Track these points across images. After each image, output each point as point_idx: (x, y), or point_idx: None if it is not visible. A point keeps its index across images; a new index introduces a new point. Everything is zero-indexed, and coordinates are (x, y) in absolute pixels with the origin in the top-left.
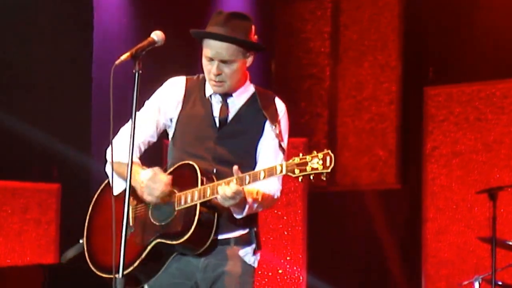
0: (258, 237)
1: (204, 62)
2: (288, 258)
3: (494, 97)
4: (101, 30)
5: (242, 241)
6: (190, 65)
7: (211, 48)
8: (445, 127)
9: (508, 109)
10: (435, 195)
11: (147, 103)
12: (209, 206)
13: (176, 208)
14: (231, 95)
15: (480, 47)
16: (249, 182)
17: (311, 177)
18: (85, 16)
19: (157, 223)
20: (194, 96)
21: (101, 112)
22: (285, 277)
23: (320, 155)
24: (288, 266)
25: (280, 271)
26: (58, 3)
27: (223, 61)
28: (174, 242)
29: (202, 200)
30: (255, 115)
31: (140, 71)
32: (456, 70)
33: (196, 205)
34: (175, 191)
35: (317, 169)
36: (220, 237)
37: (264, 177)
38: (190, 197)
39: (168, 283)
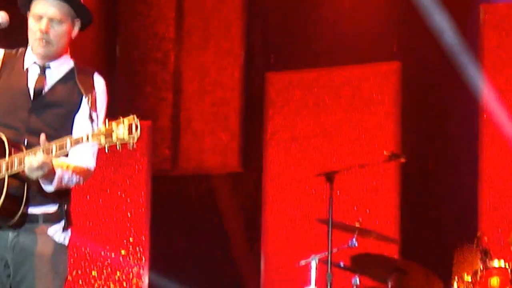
0: (69, 213)
1: (31, 23)
2: (131, 239)
3: (333, 84)
4: None
5: (51, 219)
6: None
7: (42, 6)
8: (285, 112)
9: (345, 95)
10: (275, 179)
11: None
12: (19, 177)
13: None
14: (49, 67)
15: (320, 34)
16: (56, 151)
17: (118, 147)
18: None
19: None
20: (10, 69)
21: None
22: (128, 258)
23: (126, 121)
24: (131, 247)
25: (123, 252)
26: None
27: (53, 20)
28: None
29: (10, 172)
30: (71, 89)
31: None
32: (297, 57)
33: (4, 177)
34: None
35: (122, 138)
36: (30, 210)
37: (71, 146)
38: None
39: None
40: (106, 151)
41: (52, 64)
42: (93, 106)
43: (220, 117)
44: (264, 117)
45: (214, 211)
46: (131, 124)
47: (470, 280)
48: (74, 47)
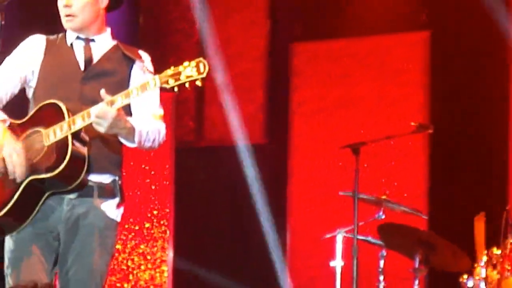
0: (122, 189)
1: (58, 1)
2: (155, 212)
3: (360, 54)
4: None
5: (106, 194)
6: None
7: None
8: (311, 82)
9: (372, 65)
10: (300, 150)
11: (7, 58)
12: (80, 141)
13: (46, 144)
14: (93, 40)
15: (347, 3)
16: (121, 101)
17: (187, 85)
18: None
19: (28, 162)
20: (55, 48)
21: None
22: (152, 232)
23: (193, 63)
24: (155, 220)
25: (147, 225)
26: None
27: None
28: (48, 175)
29: (72, 130)
30: (120, 59)
31: (3, 22)
32: (323, 27)
33: (67, 138)
34: (40, 129)
35: (191, 76)
36: (88, 177)
37: (138, 93)
38: (60, 130)
39: (30, 234)
40: (175, 91)
41: (96, 37)
42: (147, 71)
43: (245, 88)
44: (290, 88)
45: (239, 183)
46: (199, 64)
47: (499, 253)
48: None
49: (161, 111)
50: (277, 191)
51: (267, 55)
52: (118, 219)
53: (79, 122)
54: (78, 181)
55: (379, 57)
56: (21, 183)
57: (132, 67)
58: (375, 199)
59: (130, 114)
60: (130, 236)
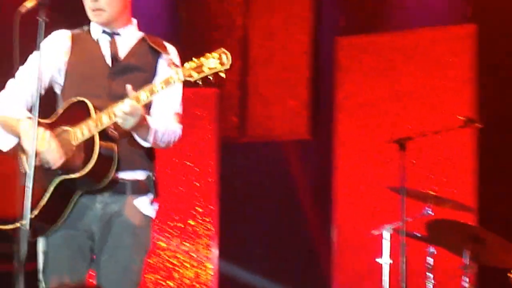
0: (156, 185)
1: None
2: (200, 209)
3: (405, 47)
4: None
5: (139, 190)
6: None
7: None
8: (355, 77)
9: (417, 58)
10: (345, 146)
11: (30, 57)
12: (108, 138)
13: (74, 143)
14: (118, 34)
15: None
16: (147, 97)
17: (210, 77)
18: None
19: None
20: (81, 43)
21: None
22: (197, 229)
23: (215, 54)
24: (199, 218)
25: (191, 223)
26: None
27: None
28: (78, 175)
29: (99, 128)
30: (147, 52)
31: (47, 20)
32: (367, 20)
33: (94, 136)
34: (68, 128)
35: (215, 68)
36: (120, 175)
37: (162, 88)
38: (87, 129)
39: (64, 234)
40: (199, 83)
41: (121, 31)
42: (173, 64)
43: (289, 83)
44: (334, 82)
45: (283, 179)
46: (221, 55)
47: None
48: (138, 13)
49: (181, 110)
50: (322, 187)
51: (311, 49)
52: (153, 215)
53: (105, 120)
54: (108, 179)
55: (424, 51)
56: (52, 183)
57: (158, 61)
58: (423, 195)
59: (148, 109)
60: (174, 234)
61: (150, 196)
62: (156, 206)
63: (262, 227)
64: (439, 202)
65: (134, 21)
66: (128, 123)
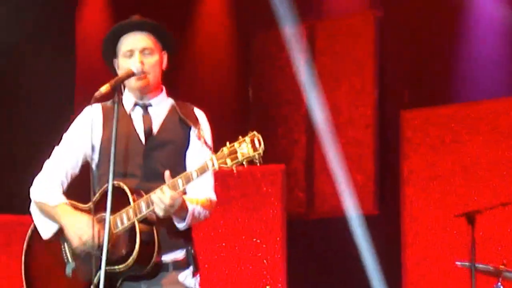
0: (196, 258)
1: (123, 62)
2: (268, 287)
3: (469, 119)
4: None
5: (180, 265)
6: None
7: (131, 40)
8: (421, 150)
9: (483, 130)
10: (413, 220)
11: (65, 136)
12: (147, 222)
13: (114, 232)
14: (150, 105)
15: (455, 69)
16: (183, 185)
17: (244, 163)
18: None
19: (98, 253)
20: (114, 117)
21: None
22: None
23: (248, 138)
24: None
25: None
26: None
27: (144, 51)
28: (121, 266)
29: (138, 216)
30: (178, 124)
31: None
32: (432, 93)
33: (134, 224)
34: None
35: (248, 154)
36: (162, 257)
37: (197, 176)
38: (126, 217)
39: None
40: (234, 171)
41: (153, 101)
42: (202, 138)
43: (355, 157)
44: (400, 156)
45: (352, 255)
46: (253, 140)
47: None
48: (207, 90)
49: (214, 197)
50: (391, 263)
51: (376, 123)
52: (197, 287)
53: (144, 208)
54: (151, 264)
55: (490, 122)
56: (96, 275)
57: (189, 134)
58: (493, 270)
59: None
60: None
61: (191, 268)
62: (198, 278)
63: None
64: (510, 277)
65: (163, 88)
66: (166, 213)
